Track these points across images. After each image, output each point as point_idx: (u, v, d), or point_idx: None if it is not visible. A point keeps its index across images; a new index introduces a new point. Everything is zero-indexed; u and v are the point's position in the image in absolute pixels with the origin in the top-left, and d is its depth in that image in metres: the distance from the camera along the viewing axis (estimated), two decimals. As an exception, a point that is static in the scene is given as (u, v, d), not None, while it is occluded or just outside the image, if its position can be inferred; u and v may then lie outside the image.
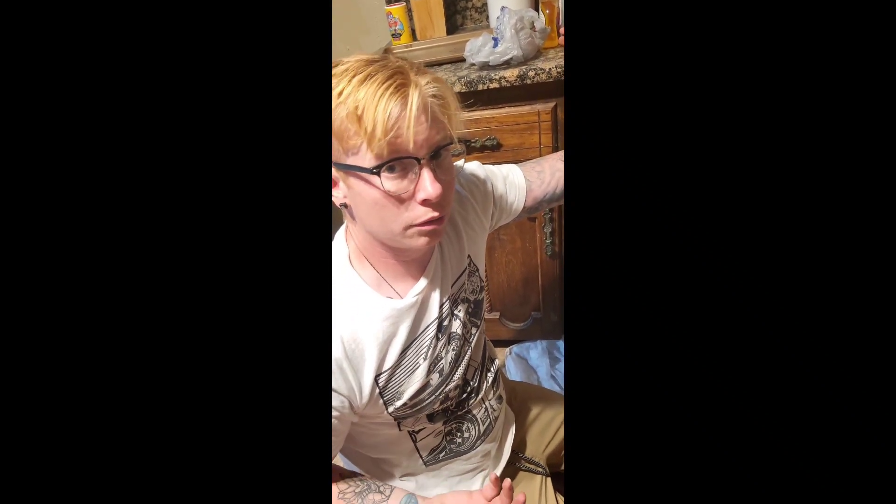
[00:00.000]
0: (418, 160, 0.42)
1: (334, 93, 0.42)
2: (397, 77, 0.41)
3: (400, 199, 0.43)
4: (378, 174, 0.42)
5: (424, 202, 0.44)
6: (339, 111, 0.42)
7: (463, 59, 1.06)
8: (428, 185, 0.43)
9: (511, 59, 0.96)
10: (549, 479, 0.72)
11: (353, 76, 0.42)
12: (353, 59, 0.44)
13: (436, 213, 0.44)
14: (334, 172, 0.46)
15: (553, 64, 0.94)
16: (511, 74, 0.94)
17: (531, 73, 0.93)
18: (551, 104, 0.97)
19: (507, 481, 0.53)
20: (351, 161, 0.43)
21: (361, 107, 0.40)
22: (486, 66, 0.99)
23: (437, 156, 0.44)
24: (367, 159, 0.42)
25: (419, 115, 0.41)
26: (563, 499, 0.71)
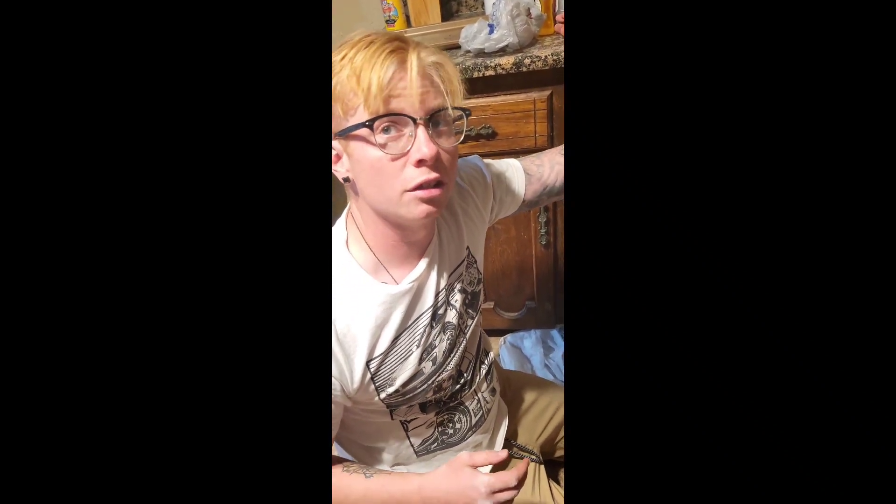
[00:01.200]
0: (414, 120, 0.43)
1: (337, 58, 0.44)
2: (396, 42, 0.43)
3: (396, 161, 0.44)
4: (371, 127, 0.42)
5: (419, 163, 0.44)
6: (341, 75, 0.43)
7: (458, 46, 1.04)
8: (422, 144, 0.43)
9: (507, 46, 0.95)
10: (542, 467, 0.73)
11: (356, 43, 0.44)
12: (357, 33, 0.45)
13: (432, 175, 0.44)
14: (337, 146, 0.47)
15: (549, 51, 0.93)
16: (507, 62, 0.93)
17: (527, 61, 0.92)
18: (547, 92, 0.97)
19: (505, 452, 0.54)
20: (350, 123, 0.44)
21: (360, 67, 0.42)
22: (481, 53, 0.98)
23: (435, 121, 0.44)
24: (363, 117, 0.43)
25: (418, 76, 0.43)
26: (556, 485, 0.71)
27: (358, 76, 0.42)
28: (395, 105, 0.43)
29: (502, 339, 1.29)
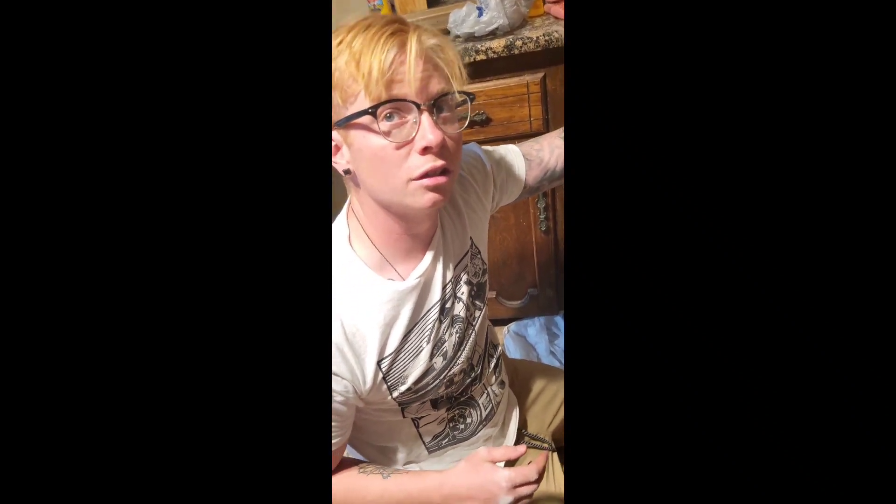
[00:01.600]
0: (418, 106, 0.41)
1: (333, 43, 0.42)
2: (396, 24, 0.41)
3: (400, 149, 0.42)
4: (374, 114, 0.41)
5: (425, 150, 0.42)
6: (339, 61, 0.41)
7: (447, 32, 1.02)
8: (427, 131, 0.41)
9: (497, 28, 0.93)
10: (555, 455, 0.72)
11: (353, 27, 0.42)
12: (353, 17, 0.44)
13: (439, 163, 0.43)
14: (336, 136, 0.45)
15: (540, 32, 0.91)
16: (498, 45, 0.91)
17: (518, 43, 0.90)
18: (540, 74, 0.95)
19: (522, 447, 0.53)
20: (350, 111, 0.42)
21: (359, 51, 0.40)
22: (471, 37, 0.96)
23: (438, 106, 0.43)
24: (365, 104, 0.41)
25: (417, 60, 0.41)
26: (569, 473, 0.71)
27: (357, 61, 0.40)
28: (398, 91, 0.41)
29: (506, 328, 1.28)
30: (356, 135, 0.43)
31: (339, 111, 0.43)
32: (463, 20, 0.95)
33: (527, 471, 0.49)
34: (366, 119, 0.42)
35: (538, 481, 0.50)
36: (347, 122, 0.42)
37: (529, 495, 0.50)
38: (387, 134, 0.41)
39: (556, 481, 0.68)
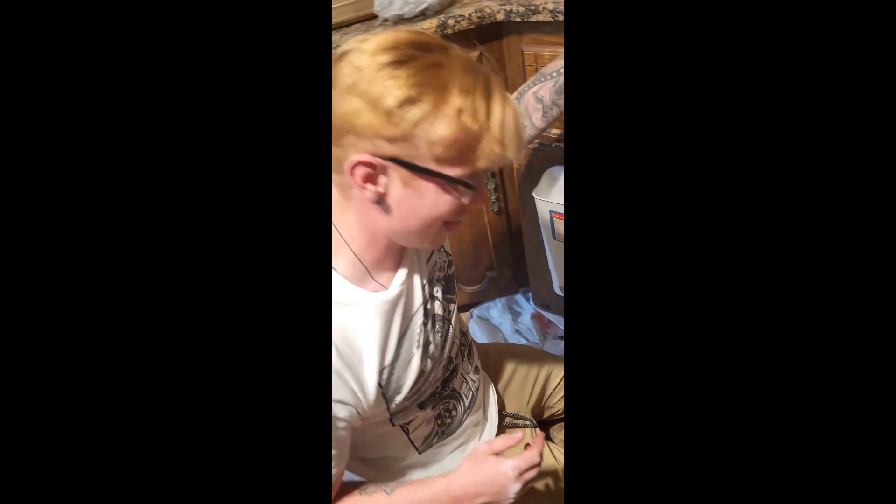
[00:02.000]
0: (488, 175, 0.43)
1: (407, 78, 0.37)
2: (502, 90, 0.41)
3: (459, 205, 0.43)
4: (473, 188, 0.42)
5: (469, 209, 0.45)
6: (442, 124, 0.38)
7: (374, 17, 0.98)
8: (482, 196, 0.45)
9: (427, 8, 0.90)
10: (536, 430, 0.72)
11: (480, 86, 0.39)
12: (433, 40, 0.41)
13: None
14: (380, 163, 0.40)
15: (471, 9, 0.89)
16: (430, 26, 0.88)
17: (451, 22, 0.88)
18: (475, 53, 0.93)
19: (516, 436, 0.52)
20: (436, 168, 0.40)
21: (498, 126, 0.40)
22: (401, 19, 0.92)
23: None
24: (460, 171, 0.41)
25: None
26: (553, 445, 0.71)
27: (496, 130, 0.40)
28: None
29: (469, 313, 1.27)
30: (426, 186, 0.41)
31: (425, 159, 0.39)
32: (391, 2, 0.91)
33: (529, 455, 0.50)
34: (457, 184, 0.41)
35: (541, 463, 0.50)
36: (427, 175, 0.40)
37: (534, 478, 0.51)
38: (465, 201, 0.43)
39: (544, 457, 0.68)
